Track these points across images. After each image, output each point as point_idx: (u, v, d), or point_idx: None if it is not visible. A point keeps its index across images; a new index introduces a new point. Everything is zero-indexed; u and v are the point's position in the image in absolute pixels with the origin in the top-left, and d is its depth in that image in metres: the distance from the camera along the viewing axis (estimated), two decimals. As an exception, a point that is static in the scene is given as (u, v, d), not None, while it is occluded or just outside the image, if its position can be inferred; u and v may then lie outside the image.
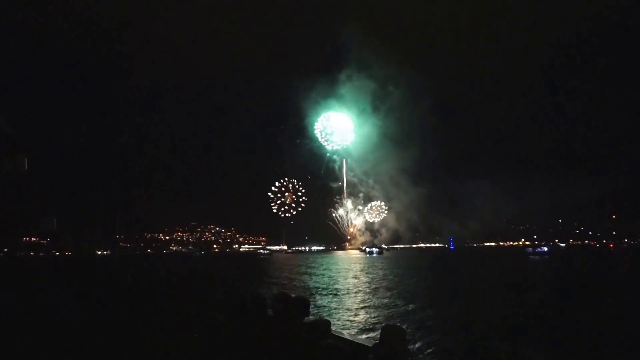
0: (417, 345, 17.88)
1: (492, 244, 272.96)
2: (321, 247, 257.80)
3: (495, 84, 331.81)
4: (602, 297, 32.41)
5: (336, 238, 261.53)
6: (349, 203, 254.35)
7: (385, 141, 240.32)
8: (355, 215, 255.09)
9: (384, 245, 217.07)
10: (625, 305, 28.32)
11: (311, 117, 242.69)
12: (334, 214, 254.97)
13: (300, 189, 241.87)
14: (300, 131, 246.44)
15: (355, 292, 38.27)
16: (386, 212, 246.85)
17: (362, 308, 29.06)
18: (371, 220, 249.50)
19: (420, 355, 16.04)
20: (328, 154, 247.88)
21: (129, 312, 6.94)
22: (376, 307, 29.22)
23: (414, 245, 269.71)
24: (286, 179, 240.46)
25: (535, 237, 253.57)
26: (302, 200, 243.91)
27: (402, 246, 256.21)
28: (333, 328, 5.50)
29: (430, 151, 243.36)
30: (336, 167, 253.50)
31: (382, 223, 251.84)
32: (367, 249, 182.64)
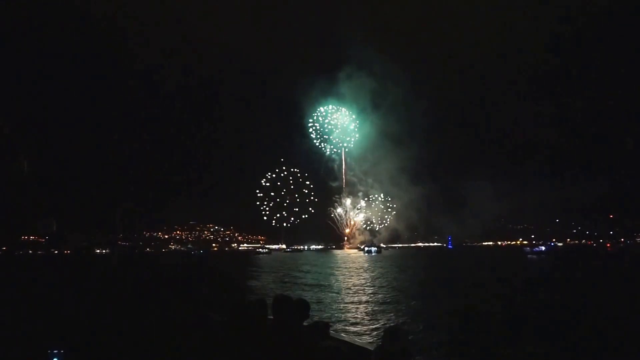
0: (419, 347, 17.91)
1: (490, 243, 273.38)
2: (320, 246, 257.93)
3: (494, 83, 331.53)
4: (598, 296, 32.50)
5: (335, 237, 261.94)
6: (348, 202, 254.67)
7: (385, 140, 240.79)
8: (355, 214, 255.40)
9: (382, 245, 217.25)
10: (620, 304, 28.41)
11: (310, 116, 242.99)
12: (332, 213, 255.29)
13: (292, 186, 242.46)
14: (299, 130, 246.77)
15: (355, 293, 38.32)
16: (390, 208, 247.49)
17: (362, 309, 29.08)
18: (373, 218, 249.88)
19: (423, 357, 16.08)
20: (327, 153, 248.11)
21: (129, 311, 6.96)
22: (376, 309, 29.25)
23: (413, 245, 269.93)
24: (283, 173, 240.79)
25: (532, 236, 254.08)
26: (297, 198, 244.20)
27: (400, 245, 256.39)
28: (333, 330, 5.53)
29: (429, 150, 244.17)
30: (335, 166, 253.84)
31: (381, 222, 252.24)
32: (366, 248, 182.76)
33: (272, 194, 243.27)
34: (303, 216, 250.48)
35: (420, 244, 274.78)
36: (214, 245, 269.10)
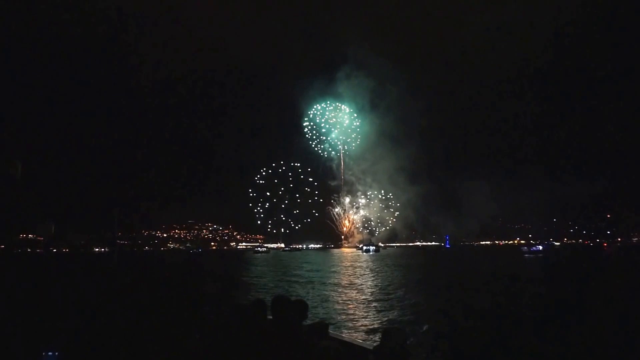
0: (418, 347, 17.96)
1: (488, 242, 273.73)
2: (318, 245, 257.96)
3: (493, 83, 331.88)
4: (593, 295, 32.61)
5: (334, 236, 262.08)
6: (346, 201, 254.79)
7: (383, 140, 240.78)
8: (353, 214, 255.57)
9: (380, 244, 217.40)
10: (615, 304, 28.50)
11: (306, 115, 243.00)
12: (331, 212, 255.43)
13: (290, 185, 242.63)
14: (298, 129, 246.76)
15: (354, 292, 38.39)
16: (388, 207, 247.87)
17: (361, 308, 29.12)
18: (371, 217, 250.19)
19: (421, 357, 16.12)
20: (322, 153, 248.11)
21: (128, 311, 6.97)
22: (375, 308, 29.29)
23: (411, 244, 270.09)
24: (282, 169, 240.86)
25: (530, 235, 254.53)
26: (298, 198, 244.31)
27: (398, 244, 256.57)
28: (332, 330, 5.57)
29: (427, 150, 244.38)
30: (334, 165, 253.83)
31: (380, 221, 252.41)
32: (364, 247, 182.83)
33: (268, 193, 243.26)
34: (300, 216, 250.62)
35: (418, 243, 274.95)
36: (212, 244, 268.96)
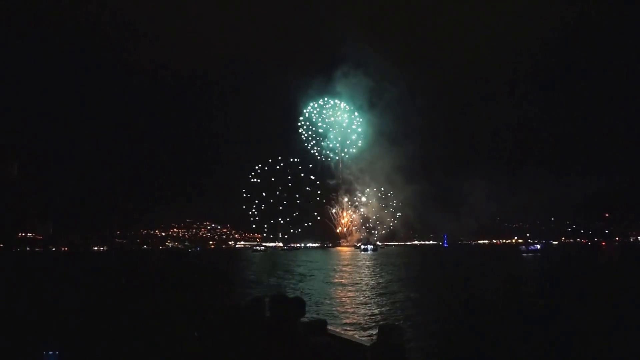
0: (415, 344, 18.03)
1: (486, 241, 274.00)
2: (316, 245, 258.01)
3: (491, 83, 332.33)
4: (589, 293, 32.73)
5: (332, 235, 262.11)
6: (344, 200, 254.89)
7: (382, 139, 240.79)
8: (351, 213, 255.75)
9: (378, 243, 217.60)
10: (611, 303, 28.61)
11: (306, 113, 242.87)
12: (329, 211, 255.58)
13: (289, 184, 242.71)
14: (296, 128, 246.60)
15: (352, 290, 38.47)
16: (386, 206, 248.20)
17: (359, 306, 29.20)
18: (369, 217, 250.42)
19: (419, 354, 16.20)
20: (323, 151, 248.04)
21: (126, 310, 7.01)
22: (374, 305, 29.39)
23: (409, 243, 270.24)
24: (279, 165, 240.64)
25: (528, 235, 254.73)
26: (297, 198, 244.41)
27: (396, 243, 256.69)
28: (330, 327, 5.62)
29: (426, 149, 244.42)
30: (332, 164, 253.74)
31: (378, 220, 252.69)
32: (362, 246, 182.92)
33: (264, 194, 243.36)
34: (299, 215, 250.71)
35: (416, 242, 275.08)
36: (210, 243, 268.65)
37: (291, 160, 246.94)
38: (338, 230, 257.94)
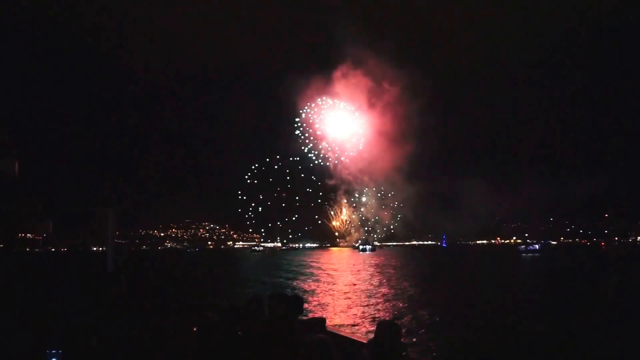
0: (412, 340, 18.12)
1: (485, 241, 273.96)
2: (315, 245, 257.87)
3: (490, 83, 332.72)
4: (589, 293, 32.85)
5: (330, 235, 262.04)
6: (343, 200, 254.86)
7: (381, 139, 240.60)
8: (350, 213, 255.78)
9: (376, 243, 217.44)
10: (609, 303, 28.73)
11: (305, 113, 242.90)
12: (328, 211, 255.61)
13: (289, 185, 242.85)
14: (295, 127, 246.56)
15: (351, 289, 38.53)
16: (385, 206, 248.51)
17: (358, 304, 29.28)
18: (368, 217, 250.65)
19: (416, 350, 16.25)
20: (322, 151, 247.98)
21: (126, 309, 7.06)
22: (372, 303, 29.47)
23: (407, 243, 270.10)
24: (278, 165, 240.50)
25: (526, 235, 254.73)
26: (296, 198, 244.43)
27: (394, 244, 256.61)
28: (329, 325, 5.70)
29: (425, 149, 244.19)
30: (331, 164, 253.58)
31: (377, 220, 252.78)
32: (361, 247, 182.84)
33: (261, 197, 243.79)
34: (297, 215, 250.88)
35: (414, 243, 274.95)
36: (209, 243, 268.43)
37: (290, 159, 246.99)
38: (337, 231, 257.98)
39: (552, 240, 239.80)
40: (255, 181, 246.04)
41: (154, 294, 8.59)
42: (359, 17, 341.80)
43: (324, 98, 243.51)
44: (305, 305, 5.87)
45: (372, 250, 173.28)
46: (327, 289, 39.01)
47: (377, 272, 59.63)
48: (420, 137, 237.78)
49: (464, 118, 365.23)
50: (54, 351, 5.14)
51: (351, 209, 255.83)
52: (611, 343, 18.24)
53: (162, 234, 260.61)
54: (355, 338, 5.64)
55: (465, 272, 59.15)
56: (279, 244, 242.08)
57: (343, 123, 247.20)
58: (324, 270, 66.65)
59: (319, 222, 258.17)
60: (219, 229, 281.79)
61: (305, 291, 37.03)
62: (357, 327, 21.74)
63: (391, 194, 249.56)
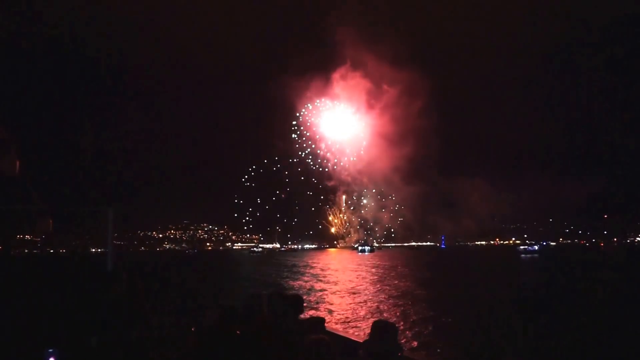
0: (408, 340, 18.14)
1: (484, 242, 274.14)
2: (314, 246, 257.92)
3: (489, 83, 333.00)
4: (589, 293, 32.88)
5: (329, 236, 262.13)
6: (342, 201, 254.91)
7: (380, 140, 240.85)
8: (349, 214, 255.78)
9: (375, 244, 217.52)
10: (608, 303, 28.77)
11: (305, 115, 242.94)
12: (327, 213, 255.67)
13: (288, 189, 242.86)
14: (294, 129, 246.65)
15: (350, 290, 38.55)
16: (384, 207, 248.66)
17: (357, 304, 29.31)
18: (367, 217, 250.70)
19: (411, 350, 16.27)
20: (322, 152, 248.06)
21: (126, 308, 7.06)
22: (371, 303, 29.50)
23: (406, 244, 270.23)
24: (276, 166, 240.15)
25: (525, 235, 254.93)
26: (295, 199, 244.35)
27: (393, 245, 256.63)
28: (328, 325, 5.70)
29: (423, 150, 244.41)
30: (330, 165, 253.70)
31: (376, 221, 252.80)
32: (360, 247, 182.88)
33: (259, 200, 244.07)
34: (296, 216, 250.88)
35: (413, 244, 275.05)
36: (208, 244, 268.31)
37: (290, 160, 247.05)
38: (335, 232, 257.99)
39: (552, 241, 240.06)
40: (254, 183, 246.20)
41: (155, 293, 8.59)
42: (358, 19, 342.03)
43: (322, 99, 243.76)
44: (304, 305, 5.93)
45: (371, 251, 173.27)
46: (326, 289, 39.03)
47: (376, 273, 59.65)
48: (419, 138, 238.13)
49: (463, 119, 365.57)
50: (50, 350, 5.15)
51: (350, 210, 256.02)
52: (607, 343, 18.27)
53: (160, 235, 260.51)
54: (354, 338, 5.64)
55: (465, 272, 59.11)
56: (278, 245, 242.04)
57: (342, 124, 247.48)
58: (323, 270, 66.64)
59: (318, 223, 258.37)
60: (217, 230, 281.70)
61: (304, 291, 37.06)
62: (355, 327, 21.76)
63: (392, 197, 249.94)
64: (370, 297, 32.89)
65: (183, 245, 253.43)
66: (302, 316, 5.30)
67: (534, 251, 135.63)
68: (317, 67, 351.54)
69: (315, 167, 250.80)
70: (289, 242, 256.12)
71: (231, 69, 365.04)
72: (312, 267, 74.94)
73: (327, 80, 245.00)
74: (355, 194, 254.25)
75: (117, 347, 5.90)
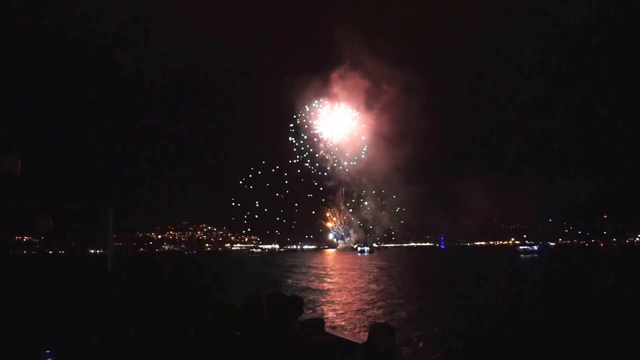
0: (406, 342, 18.11)
1: (483, 242, 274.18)
2: (313, 247, 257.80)
3: (487, 83, 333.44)
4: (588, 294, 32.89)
5: (328, 237, 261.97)
6: (341, 202, 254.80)
7: (379, 140, 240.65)
8: (348, 214, 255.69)
9: (374, 244, 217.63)
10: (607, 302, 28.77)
11: (303, 114, 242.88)
12: (326, 213, 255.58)
13: (287, 191, 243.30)
14: (292, 129, 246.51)
15: (349, 288, 38.56)
16: (383, 207, 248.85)
17: (356, 305, 29.29)
18: (366, 218, 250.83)
19: (410, 352, 16.25)
20: (320, 152, 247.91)
21: (126, 308, 7.03)
22: (370, 304, 29.48)
23: (405, 244, 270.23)
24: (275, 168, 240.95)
25: (525, 236, 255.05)
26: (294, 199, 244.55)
27: (393, 245, 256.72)
28: (327, 326, 5.68)
29: (423, 150, 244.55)
30: (328, 165, 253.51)
31: (375, 222, 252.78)
32: (359, 248, 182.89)
33: (257, 203, 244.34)
34: (295, 217, 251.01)
35: (412, 244, 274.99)
36: (207, 245, 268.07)
37: (289, 161, 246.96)
38: (335, 232, 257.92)
39: (551, 242, 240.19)
40: (253, 184, 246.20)
41: (160, 293, 8.52)
42: (356, 18, 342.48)
43: (321, 100, 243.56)
44: (304, 306, 5.92)
45: (371, 252, 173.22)
46: (325, 290, 39.03)
47: (375, 273, 59.67)
48: (419, 138, 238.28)
49: (462, 119, 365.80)
50: (48, 351, 5.12)
51: (349, 210, 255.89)
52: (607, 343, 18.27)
53: (159, 237, 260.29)
54: (353, 340, 5.62)
55: (464, 273, 59.11)
56: (277, 246, 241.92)
57: (341, 124, 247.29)
58: (322, 271, 66.64)
59: (317, 223, 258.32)
60: (216, 231, 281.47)
61: (304, 292, 37.02)
62: (355, 329, 21.75)
63: (392, 198, 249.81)
64: (369, 298, 32.88)
65: (182, 246, 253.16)
66: (301, 317, 5.27)
67: (534, 251, 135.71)
68: (316, 67, 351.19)
69: (314, 168, 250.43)
70: (288, 243, 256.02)
71: (229, 69, 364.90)
72: (311, 268, 74.94)
73: (325, 80, 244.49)
74: (354, 194, 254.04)
75: (116, 346, 5.88)
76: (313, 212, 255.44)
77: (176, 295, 7.59)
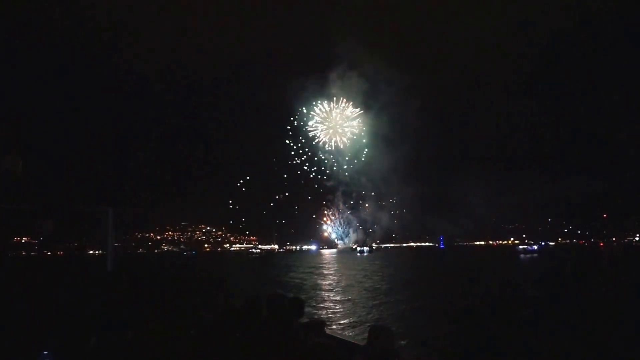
0: (405, 344, 18.09)
1: (482, 242, 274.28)
2: (312, 247, 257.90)
3: (487, 83, 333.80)
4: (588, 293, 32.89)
5: (328, 237, 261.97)
6: (340, 202, 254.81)
7: (378, 140, 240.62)
8: (347, 215, 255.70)
9: (374, 245, 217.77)
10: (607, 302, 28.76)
11: (301, 115, 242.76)
12: (325, 213, 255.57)
13: (286, 193, 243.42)
14: (290, 129, 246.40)
15: (349, 289, 38.52)
16: (383, 208, 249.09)
17: (356, 306, 29.27)
18: (366, 218, 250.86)
19: (410, 354, 16.22)
20: (319, 152, 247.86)
21: (125, 309, 7.03)
22: (370, 306, 29.45)
23: (405, 244, 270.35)
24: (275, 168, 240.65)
25: (524, 236, 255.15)
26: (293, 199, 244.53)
27: (392, 245, 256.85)
28: (328, 328, 5.67)
29: (422, 150, 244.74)
30: (327, 165, 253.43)
31: (374, 222, 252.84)
32: (358, 248, 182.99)
33: (256, 203, 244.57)
34: (294, 217, 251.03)
35: (412, 244, 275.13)
36: (206, 245, 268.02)
37: (289, 162, 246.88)
38: (334, 232, 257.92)
39: (551, 241, 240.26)
40: (251, 186, 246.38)
41: (158, 294, 8.52)
42: (354, 18, 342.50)
43: (319, 100, 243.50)
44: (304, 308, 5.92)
45: (370, 252, 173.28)
46: (325, 291, 39.00)
47: (375, 274, 59.64)
48: (418, 138, 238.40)
49: (461, 119, 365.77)
50: (45, 352, 5.11)
51: (348, 210, 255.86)
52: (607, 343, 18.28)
53: (158, 237, 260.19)
54: (353, 342, 5.62)
55: (464, 273, 59.09)
56: (276, 247, 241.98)
57: (340, 125, 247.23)
58: (322, 272, 66.62)
59: (317, 224, 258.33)
60: (215, 232, 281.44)
61: (304, 293, 36.99)
62: (355, 330, 21.73)
63: (388, 196, 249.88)
64: (369, 299, 32.85)
65: (181, 247, 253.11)
66: (302, 319, 5.26)
67: (533, 251, 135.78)
68: (314, 68, 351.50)
69: (312, 168, 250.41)
70: (288, 244, 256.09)
71: (227, 70, 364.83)
72: (311, 268, 74.91)
73: (324, 81, 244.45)
74: (353, 194, 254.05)
75: (115, 347, 5.87)
76: (312, 213, 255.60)
77: (176, 296, 7.59)
